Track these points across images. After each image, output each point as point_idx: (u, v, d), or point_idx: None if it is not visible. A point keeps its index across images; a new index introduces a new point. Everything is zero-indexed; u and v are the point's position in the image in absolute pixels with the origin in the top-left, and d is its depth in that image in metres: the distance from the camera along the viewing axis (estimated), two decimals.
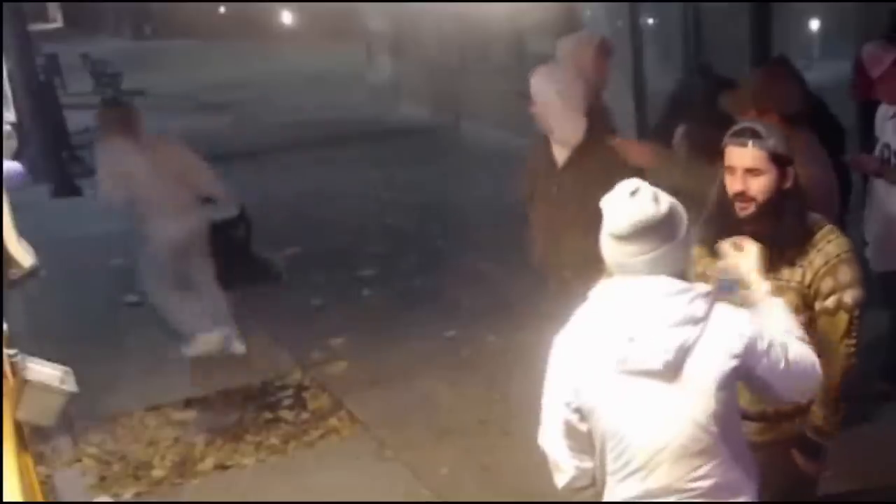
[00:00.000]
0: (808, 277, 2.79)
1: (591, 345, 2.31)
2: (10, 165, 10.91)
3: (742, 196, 2.76)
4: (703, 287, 2.31)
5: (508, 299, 6.49)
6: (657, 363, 2.22)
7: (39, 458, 4.65)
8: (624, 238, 2.24)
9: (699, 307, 2.25)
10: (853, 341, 2.83)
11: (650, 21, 9.71)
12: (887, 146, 4.52)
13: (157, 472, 4.80)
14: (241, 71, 20.84)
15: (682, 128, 5.46)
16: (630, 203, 2.24)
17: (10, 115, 11.02)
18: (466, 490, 4.39)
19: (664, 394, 2.26)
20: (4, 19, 9.96)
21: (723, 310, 2.31)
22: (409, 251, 7.86)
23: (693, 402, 2.26)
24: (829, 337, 2.82)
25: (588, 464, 2.43)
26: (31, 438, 3.81)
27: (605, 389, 2.29)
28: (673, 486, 2.31)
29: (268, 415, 5.30)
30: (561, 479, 2.49)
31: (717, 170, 2.90)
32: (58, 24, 41.08)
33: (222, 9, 30.21)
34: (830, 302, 2.79)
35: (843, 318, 2.80)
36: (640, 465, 2.31)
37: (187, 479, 4.74)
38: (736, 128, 2.81)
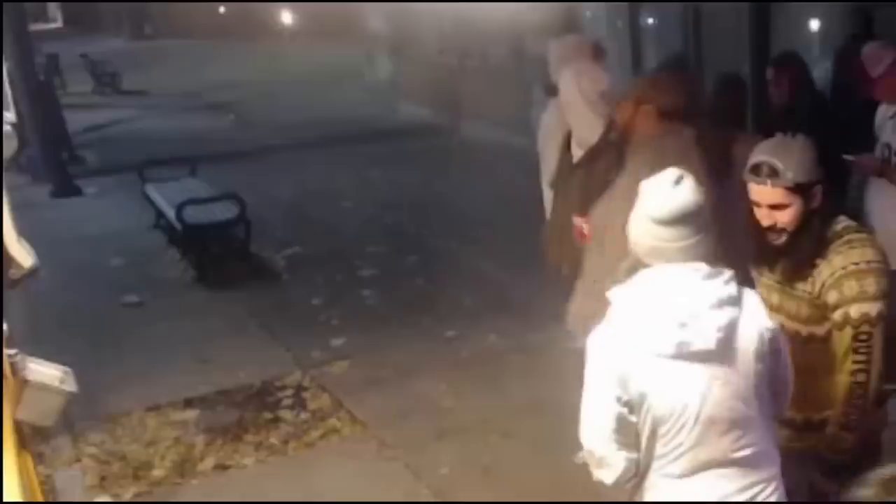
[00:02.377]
0: (817, 289, 2.73)
1: (636, 335, 2.33)
2: None
3: (772, 229, 2.74)
4: (728, 270, 2.38)
5: (508, 299, 6.50)
6: (711, 343, 2.28)
7: (39, 458, 4.64)
8: (664, 223, 2.31)
9: (733, 288, 2.35)
10: (861, 358, 2.67)
11: (650, 21, 9.71)
12: (887, 146, 4.51)
13: (157, 472, 4.79)
14: (241, 71, 20.86)
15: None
16: (675, 190, 2.32)
17: (10, 115, 10.99)
18: (466, 490, 4.38)
19: (713, 371, 2.31)
20: (4, 19, 9.96)
21: (748, 291, 2.43)
22: (409, 251, 7.85)
23: (738, 376, 2.33)
24: (836, 353, 2.73)
25: (635, 455, 2.43)
26: (31, 438, 3.81)
27: (655, 376, 2.32)
28: (719, 459, 2.36)
29: (268, 415, 5.28)
30: (610, 476, 2.47)
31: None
32: (58, 24, 41.12)
33: (222, 9, 30.25)
34: (837, 315, 2.70)
35: (848, 333, 2.68)
36: (693, 442, 2.35)
37: (187, 479, 4.73)
38: (752, 161, 2.71)
